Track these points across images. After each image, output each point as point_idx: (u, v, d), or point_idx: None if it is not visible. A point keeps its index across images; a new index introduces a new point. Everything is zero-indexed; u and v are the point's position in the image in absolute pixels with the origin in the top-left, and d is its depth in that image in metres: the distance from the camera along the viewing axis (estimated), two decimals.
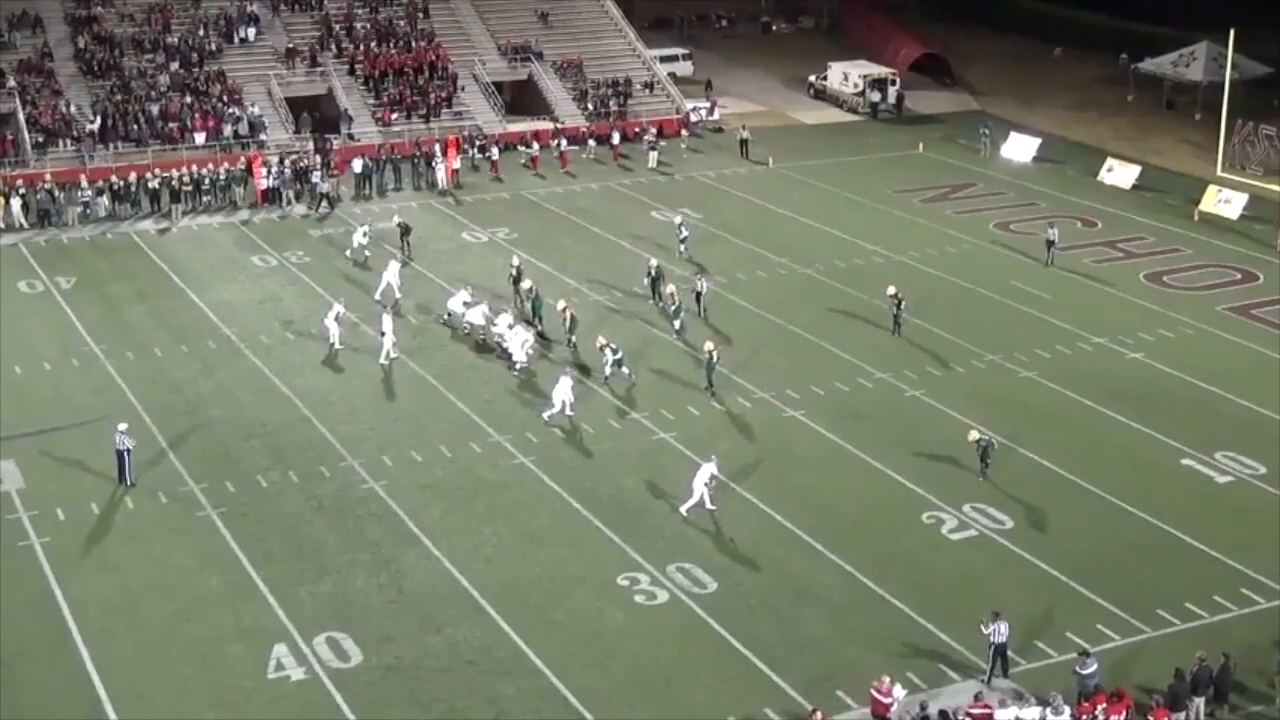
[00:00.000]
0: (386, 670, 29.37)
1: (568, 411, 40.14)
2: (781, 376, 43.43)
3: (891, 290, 46.57)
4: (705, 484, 35.42)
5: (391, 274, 49.34)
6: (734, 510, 35.79)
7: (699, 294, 48.31)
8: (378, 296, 49.00)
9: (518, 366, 43.67)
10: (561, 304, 45.76)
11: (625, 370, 42.87)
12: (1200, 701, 27.62)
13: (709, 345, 42.49)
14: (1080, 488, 36.97)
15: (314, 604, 31.58)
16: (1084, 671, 27.85)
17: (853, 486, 37.22)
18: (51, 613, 31.24)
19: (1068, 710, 26.43)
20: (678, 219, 56.13)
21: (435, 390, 42.63)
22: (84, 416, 40.47)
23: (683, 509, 35.39)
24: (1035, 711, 26.60)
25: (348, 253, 54.53)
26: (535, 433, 39.76)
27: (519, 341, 43.91)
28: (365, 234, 54.58)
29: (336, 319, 44.83)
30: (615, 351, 42.81)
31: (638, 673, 29.44)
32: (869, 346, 45.53)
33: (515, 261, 49.89)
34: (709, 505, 35.52)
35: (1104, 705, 26.45)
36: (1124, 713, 26.45)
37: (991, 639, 28.91)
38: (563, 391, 40.15)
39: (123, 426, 36.97)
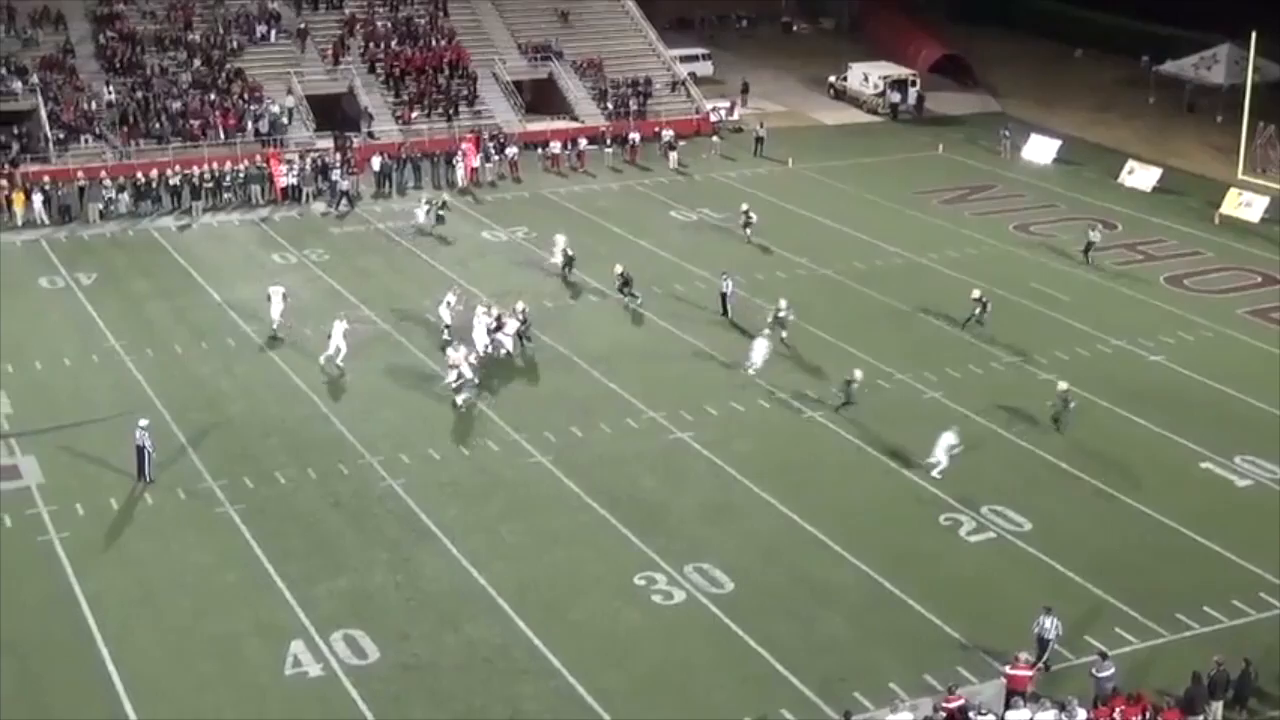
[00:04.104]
0: (403, 668, 29.41)
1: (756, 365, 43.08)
2: (800, 377, 43.38)
3: (976, 293, 46.76)
4: (949, 449, 36.70)
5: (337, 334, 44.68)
6: (751, 511, 35.79)
7: (724, 294, 48.29)
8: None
9: (503, 352, 44.13)
10: (520, 304, 45.53)
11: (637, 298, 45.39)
12: (1218, 706, 27.53)
13: (857, 373, 41.38)
14: (1098, 490, 36.89)
15: (331, 601, 31.64)
16: (1101, 674, 27.80)
17: (870, 487, 37.19)
18: (70, 608, 31.34)
19: (1083, 713, 26.35)
20: (744, 205, 57.07)
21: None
22: (104, 413, 40.61)
23: (934, 471, 37.05)
24: (1051, 714, 26.54)
25: (412, 223, 57.40)
26: (553, 431, 39.80)
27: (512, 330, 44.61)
28: (427, 211, 57.37)
29: (344, 334, 43.63)
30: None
31: (654, 672, 29.43)
32: (888, 348, 45.43)
33: (450, 298, 46.40)
34: (943, 465, 37.22)
35: (1121, 708, 26.39)
36: (1140, 716, 26.37)
37: (1036, 631, 29.06)
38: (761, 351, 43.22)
39: (143, 422, 37.06)
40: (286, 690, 28.71)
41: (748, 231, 55.94)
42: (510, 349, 44.41)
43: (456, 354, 41.88)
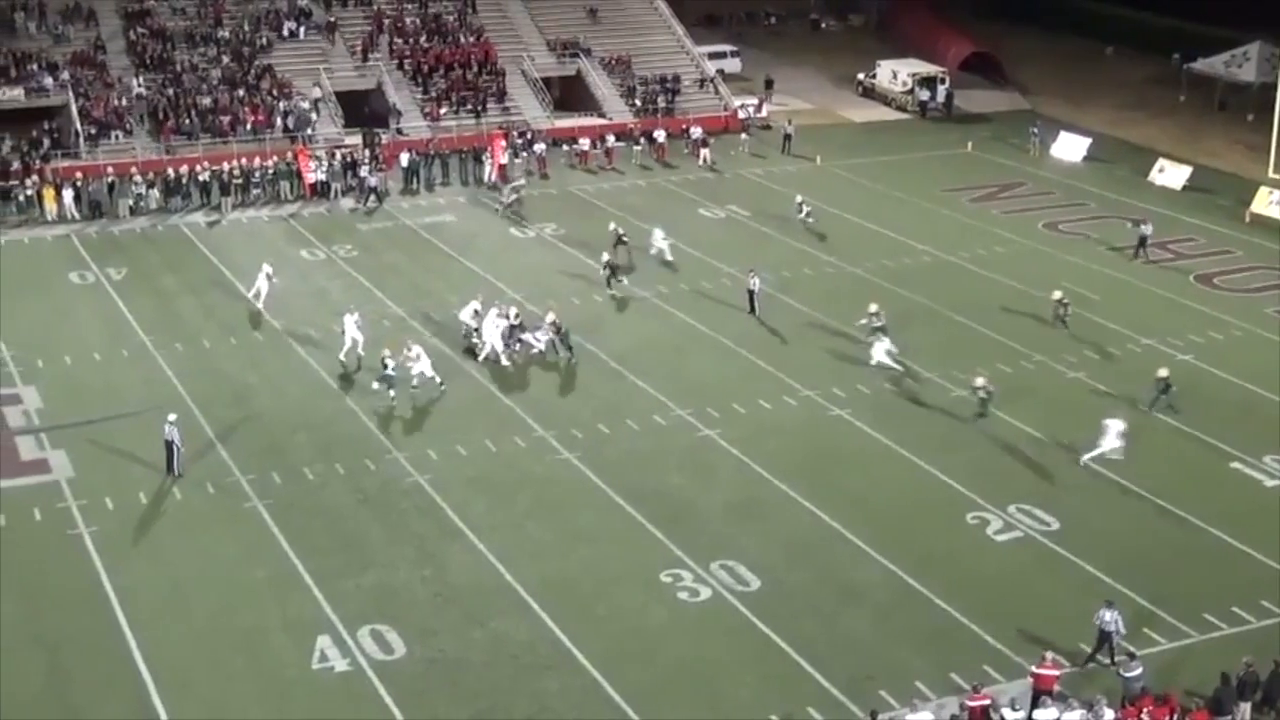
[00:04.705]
0: (429, 663, 29.49)
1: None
2: (828, 375, 43.32)
3: (1058, 294, 47.01)
4: (1119, 434, 37.41)
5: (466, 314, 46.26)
6: (778, 508, 35.76)
7: (752, 292, 48.24)
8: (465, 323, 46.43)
9: (534, 350, 44.14)
10: (551, 316, 45.11)
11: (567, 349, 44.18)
12: (1247, 707, 27.40)
13: (980, 380, 40.93)
14: (1127, 490, 36.76)
15: (358, 596, 31.73)
16: (1129, 675, 27.72)
17: (897, 486, 37.12)
18: (100, 601, 31.52)
19: (1110, 714, 26.27)
20: (799, 198, 58.13)
21: (479, 384, 42.75)
22: (133, 407, 40.79)
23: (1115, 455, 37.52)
24: (1078, 714, 26.47)
25: (497, 206, 59.66)
26: (579, 428, 39.84)
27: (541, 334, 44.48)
28: (515, 189, 60.13)
29: (356, 325, 44.20)
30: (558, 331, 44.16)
31: (680, 670, 29.44)
32: (916, 346, 45.26)
33: (476, 306, 45.71)
34: (1119, 456, 37.43)
35: (1149, 709, 26.29)
36: (1169, 717, 26.27)
37: (1096, 624, 29.23)
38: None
39: (172, 417, 37.25)
40: (313, 685, 28.81)
41: (810, 220, 57.17)
42: (542, 348, 44.27)
43: (411, 351, 42.13)
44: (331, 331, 45.80)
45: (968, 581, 32.49)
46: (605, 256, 50.82)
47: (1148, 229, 55.00)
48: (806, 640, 30.26)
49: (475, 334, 45.06)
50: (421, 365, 41.82)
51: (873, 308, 45.54)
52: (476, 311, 45.59)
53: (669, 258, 53.09)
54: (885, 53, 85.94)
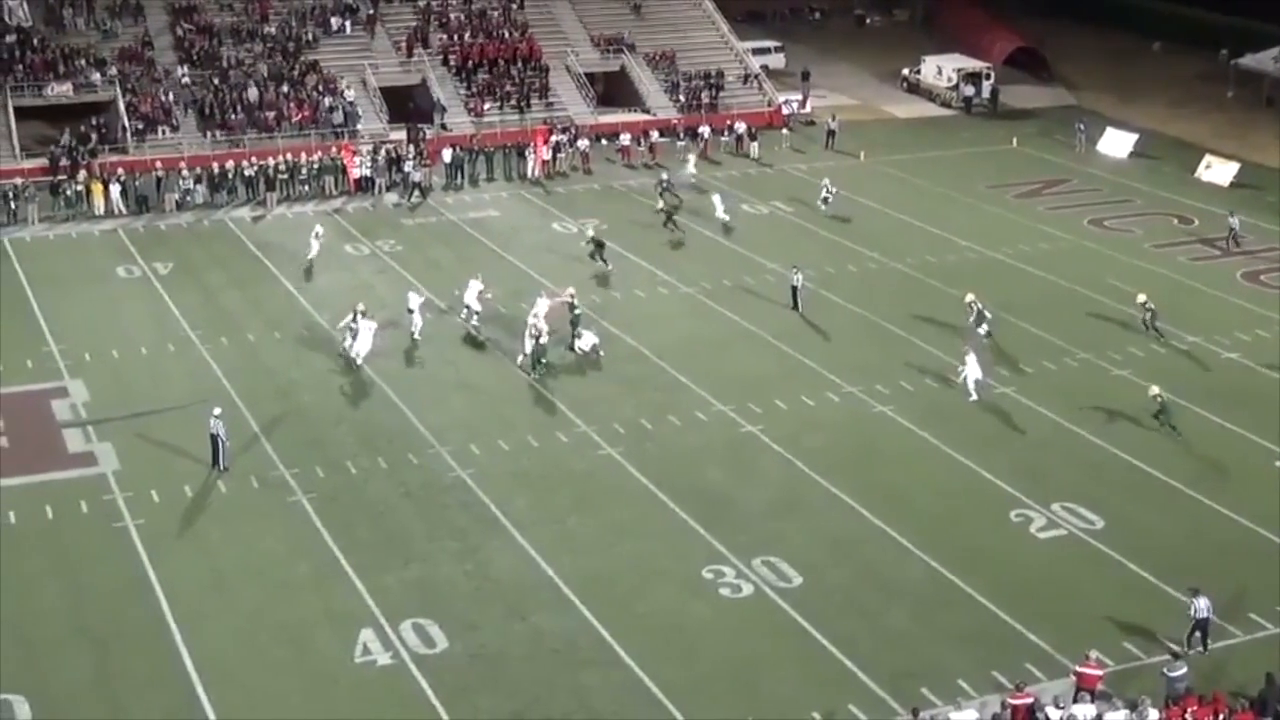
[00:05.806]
0: (471, 658, 29.57)
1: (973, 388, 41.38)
2: (871, 372, 43.19)
3: (1142, 298, 46.41)
4: None
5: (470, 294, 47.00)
6: (820, 505, 35.70)
7: (795, 288, 48.16)
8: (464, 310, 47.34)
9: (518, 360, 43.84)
10: (569, 298, 45.22)
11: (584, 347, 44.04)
12: None
13: (1154, 389, 39.92)
14: (1172, 488, 36.53)
15: (401, 590, 31.85)
16: (1173, 674, 27.52)
17: (940, 483, 36.98)
18: (145, 593, 31.73)
19: (1155, 713, 26.11)
20: (825, 179, 59.53)
21: (522, 379, 42.84)
22: (179, 401, 41.05)
23: None
24: (1122, 714, 26.33)
25: (679, 179, 61.44)
26: (621, 424, 39.86)
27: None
28: (695, 164, 62.90)
29: (421, 307, 45.40)
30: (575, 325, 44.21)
31: (721, 666, 29.42)
32: (960, 343, 45.09)
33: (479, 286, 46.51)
34: None
35: (1194, 709, 26.12)
36: (1213, 717, 26.08)
37: (1191, 615, 29.30)
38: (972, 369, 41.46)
39: (217, 411, 37.48)
40: (356, 678, 28.94)
41: (823, 206, 57.94)
42: (587, 349, 44.11)
43: (368, 325, 43.21)
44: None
45: (1011, 579, 32.35)
46: (590, 232, 52.02)
47: (1235, 221, 55.00)
48: (848, 637, 30.21)
49: (476, 314, 45.78)
50: (360, 345, 42.86)
51: (969, 297, 45.52)
52: (481, 292, 46.19)
53: (726, 218, 55.94)
54: (930, 48, 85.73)
